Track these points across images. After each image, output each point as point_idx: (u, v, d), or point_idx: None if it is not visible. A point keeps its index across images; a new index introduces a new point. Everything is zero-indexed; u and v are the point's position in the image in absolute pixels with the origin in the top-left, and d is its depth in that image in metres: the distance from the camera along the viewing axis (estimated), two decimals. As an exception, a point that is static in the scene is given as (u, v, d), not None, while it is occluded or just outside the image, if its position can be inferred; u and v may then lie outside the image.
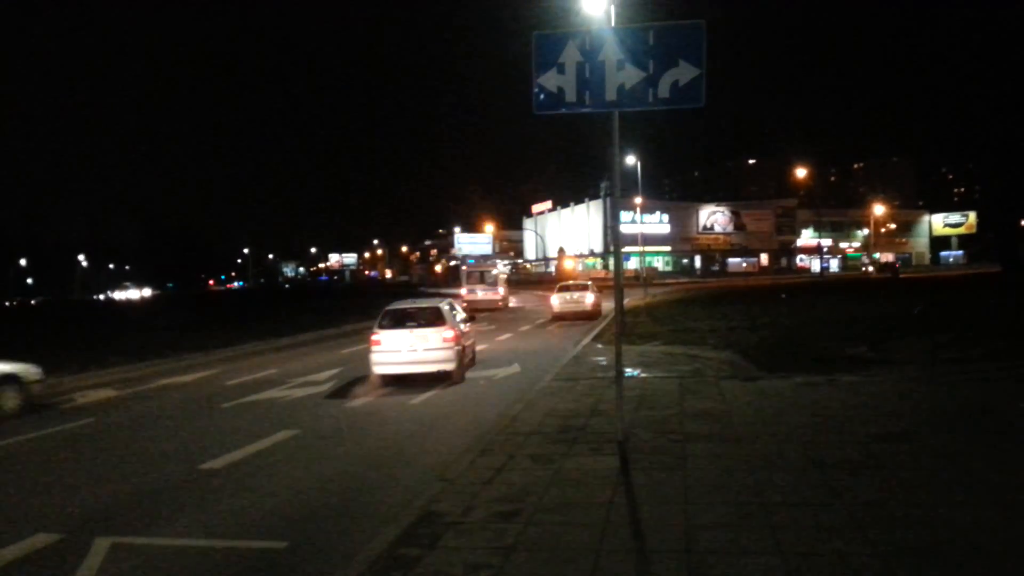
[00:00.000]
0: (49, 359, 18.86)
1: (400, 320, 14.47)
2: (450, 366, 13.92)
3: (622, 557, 4.83)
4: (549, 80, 7.12)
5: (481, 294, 29.17)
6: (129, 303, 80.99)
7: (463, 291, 30.02)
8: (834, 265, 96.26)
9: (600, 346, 18.62)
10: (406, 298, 19.94)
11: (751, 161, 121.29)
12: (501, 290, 29.60)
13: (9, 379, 12.65)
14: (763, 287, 51.64)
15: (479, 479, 6.82)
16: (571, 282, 34.42)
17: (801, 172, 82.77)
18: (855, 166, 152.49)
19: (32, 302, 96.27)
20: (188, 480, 7.79)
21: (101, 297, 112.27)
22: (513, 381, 13.91)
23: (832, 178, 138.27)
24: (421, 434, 9.68)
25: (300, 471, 8.01)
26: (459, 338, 14.39)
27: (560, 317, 29.26)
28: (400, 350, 13.78)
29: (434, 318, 14.47)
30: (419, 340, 13.88)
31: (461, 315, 16.46)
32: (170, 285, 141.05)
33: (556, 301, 29.91)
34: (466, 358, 15.21)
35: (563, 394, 11.33)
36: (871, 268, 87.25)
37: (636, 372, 13.24)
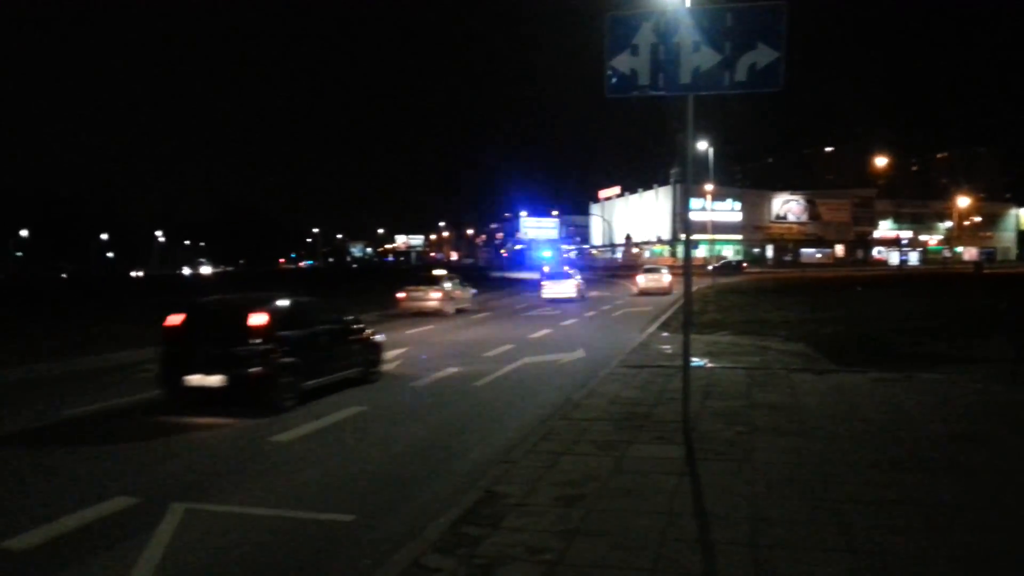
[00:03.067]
0: (133, 329, 19.65)
1: (554, 276, 36.51)
2: (575, 295, 33.81)
3: (686, 547, 4.77)
4: (622, 63, 7.01)
5: (652, 282, 39.55)
6: (196, 279, 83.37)
7: (640, 278, 40.09)
8: (914, 258, 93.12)
9: (666, 334, 18.41)
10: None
11: (828, 149, 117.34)
12: (667, 278, 39.12)
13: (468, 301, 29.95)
14: (838, 279, 50.24)
15: (541, 463, 6.82)
16: (652, 265, 45.99)
17: (881, 161, 79.87)
18: (938, 156, 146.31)
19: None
20: (258, 452, 8.00)
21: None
22: (577, 367, 13.86)
23: (913, 168, 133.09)
24: (484, 415, 9.74)
25: (365, 447, 8.16)
26: (580, 285, 35.20)
27: (644, 292, 38.18)
28: (554, 287, 34.46)
29: (568, 276, 35.99)
30: (562, 284, 34.75)
31: (579, 276, 37.31)
32: (241, 262, 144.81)
33: (641, 279, 39.66)
34: (583, 294, 35.28)
35: (627, 381, 11.24)
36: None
37: (703, 362, 13.04)
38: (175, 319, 10.62)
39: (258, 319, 10.18)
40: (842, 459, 6.76)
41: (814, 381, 10.94)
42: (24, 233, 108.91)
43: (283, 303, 10.94)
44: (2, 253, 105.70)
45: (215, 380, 9.86)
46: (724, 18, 6.81)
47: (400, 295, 27.50)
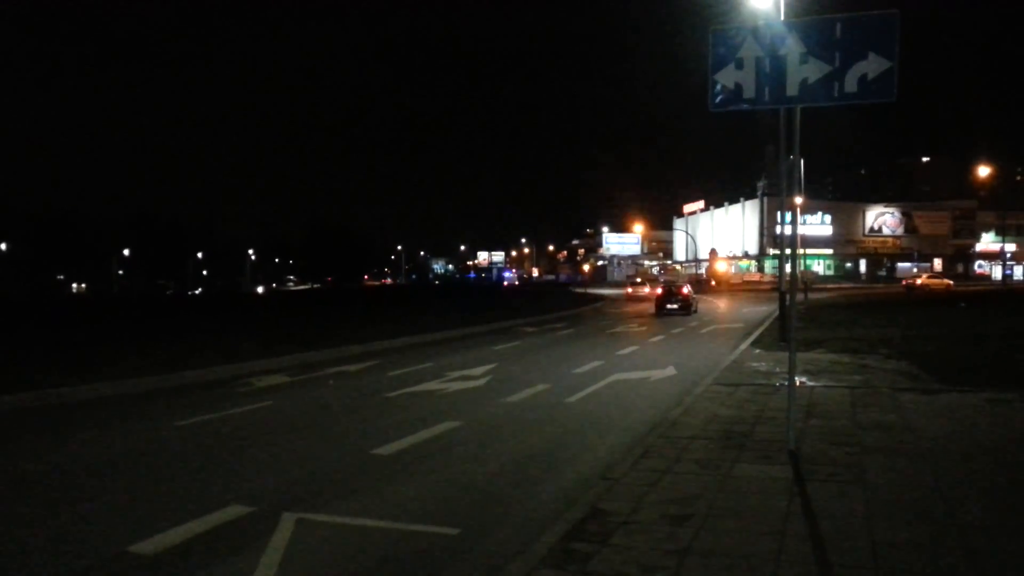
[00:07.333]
0: (228, 345, 20.44)
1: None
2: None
3: (804, 570, 4.64)
4: (726, 76, 6.94)
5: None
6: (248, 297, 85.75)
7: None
8: (1019, 272, 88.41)
9: (758, 351, 17.98)
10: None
11: (925, 159, 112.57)
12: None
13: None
14: (939, 294, 48.18)
15: (644, 480, 6.75)
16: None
17: (983, 171, 76.20)
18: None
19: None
20: (361, 464, 8.17)
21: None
22: (669, 384, 13.69)
23: (1018, 178, 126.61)
24: (580, 432, 9.71)
25: (464, 461, 8.23)
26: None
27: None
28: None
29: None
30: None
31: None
32: (328, 279, 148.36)
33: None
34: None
35: (723, 400, 11.03)
36: None
37: (802, 380, 12.68)
38: (660, 289, 40.60)
39: (686, 289, 39.27)
40: (961, 482, 6.46)
41: (922, 401, 10.50)
42: (126, 252, 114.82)
43: (688, 285, 44.20)
44: (106, 271, 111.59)
45: (675, 306, 35.85)
46: (833, 29, 6.67)
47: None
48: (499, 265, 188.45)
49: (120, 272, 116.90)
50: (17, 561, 5.46)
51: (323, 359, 18.94)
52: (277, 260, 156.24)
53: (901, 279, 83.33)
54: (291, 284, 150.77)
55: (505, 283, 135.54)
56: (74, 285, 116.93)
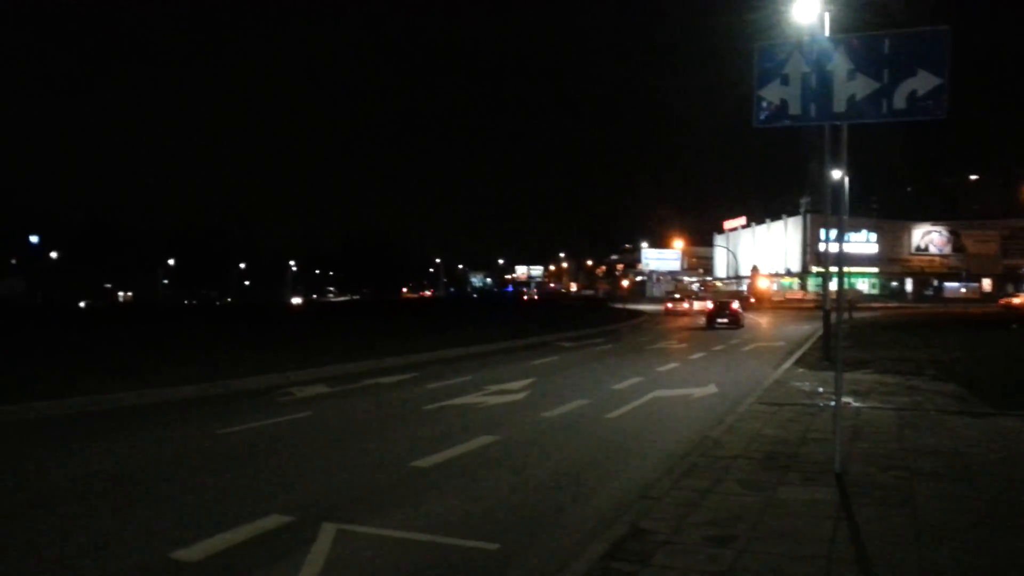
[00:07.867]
0: (270, 355, 20.70)
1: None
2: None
3: (851, 596, 4.54)
4: (772, 92, 6.87)
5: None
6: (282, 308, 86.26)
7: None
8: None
9: (802, 371, 17.68)
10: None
11: (973, 177, 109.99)
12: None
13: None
14: (988, 315, 47.06)
15: (685, 500, 6.67)
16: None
17: (1034, 190, 74.34)
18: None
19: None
20: (400, 476, 8.20)
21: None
22: (710, 402, 13.52)
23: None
24: (619, 449, 9.63)
25: (503, 476, 8.21)
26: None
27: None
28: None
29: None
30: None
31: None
32: (365, 291, 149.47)
33: None
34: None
35: (766, 419, 10.86)
36: None
37: (848, 401, 12.43)
38: (710, 305, 43.96)
39: (735, 305, 41.43)
40: (1016, 509, 6.27)
41: (972, 424, 10.22)
42: (171, 262, 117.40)
43: (737, 301, 45.83)
44: (152, 281, 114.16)
45: (725, 320, 38.37)
46: (882, 45, 6.57)
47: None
48: (537, 279, 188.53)
49: (165, 281, 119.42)
50: (61, 565, 5.57)
51: (362, 370, 19.07)
52: (317, 271, 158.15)
53: (948, 298, 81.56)
54: (331, 295, 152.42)
55: (524, 296, 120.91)
56: (120, 293, 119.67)
